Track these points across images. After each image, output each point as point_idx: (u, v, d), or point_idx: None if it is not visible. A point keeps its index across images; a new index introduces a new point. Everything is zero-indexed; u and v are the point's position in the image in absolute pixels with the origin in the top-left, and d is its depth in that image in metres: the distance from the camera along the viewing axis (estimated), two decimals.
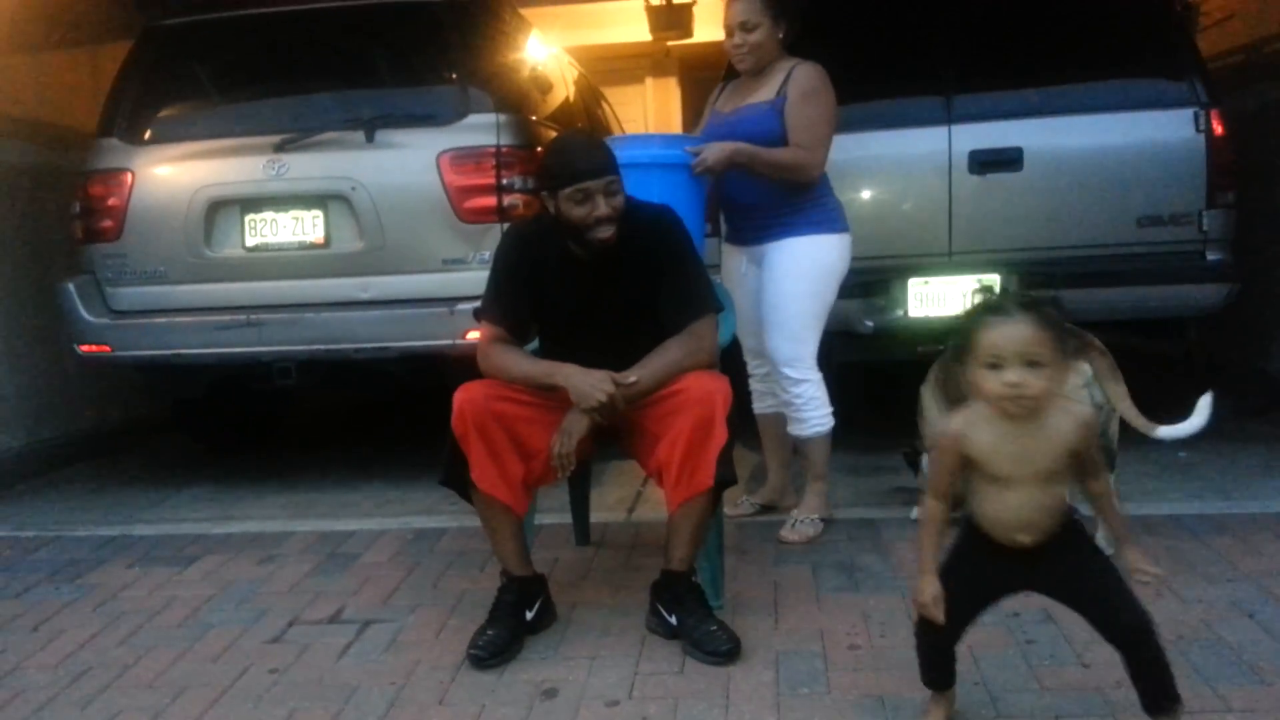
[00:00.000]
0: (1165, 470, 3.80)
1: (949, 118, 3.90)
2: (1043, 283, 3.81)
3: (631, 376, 2.42)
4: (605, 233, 2.44)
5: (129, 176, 3.95)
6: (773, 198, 3.08)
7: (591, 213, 2.42)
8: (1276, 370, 4.80)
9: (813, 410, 3.16)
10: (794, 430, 3.21)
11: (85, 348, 3.99)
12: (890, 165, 3.76)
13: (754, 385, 3.38)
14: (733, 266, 3.29)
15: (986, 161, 3.86)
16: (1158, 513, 3.24)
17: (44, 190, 4.67)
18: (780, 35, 3.08)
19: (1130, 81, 3.97)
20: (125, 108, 4.08)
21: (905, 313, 3.88)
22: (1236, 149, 3.83)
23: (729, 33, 3.08)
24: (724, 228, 3.37)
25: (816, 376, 3.16)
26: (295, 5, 4.13)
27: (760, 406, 3.39)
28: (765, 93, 3.08)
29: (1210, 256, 3.81)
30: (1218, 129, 3.77)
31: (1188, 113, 3.79)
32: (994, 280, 3.85)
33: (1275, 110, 4.75)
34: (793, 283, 3.09)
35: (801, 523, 3.18)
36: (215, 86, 4.19)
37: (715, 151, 2.99)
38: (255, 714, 2.20)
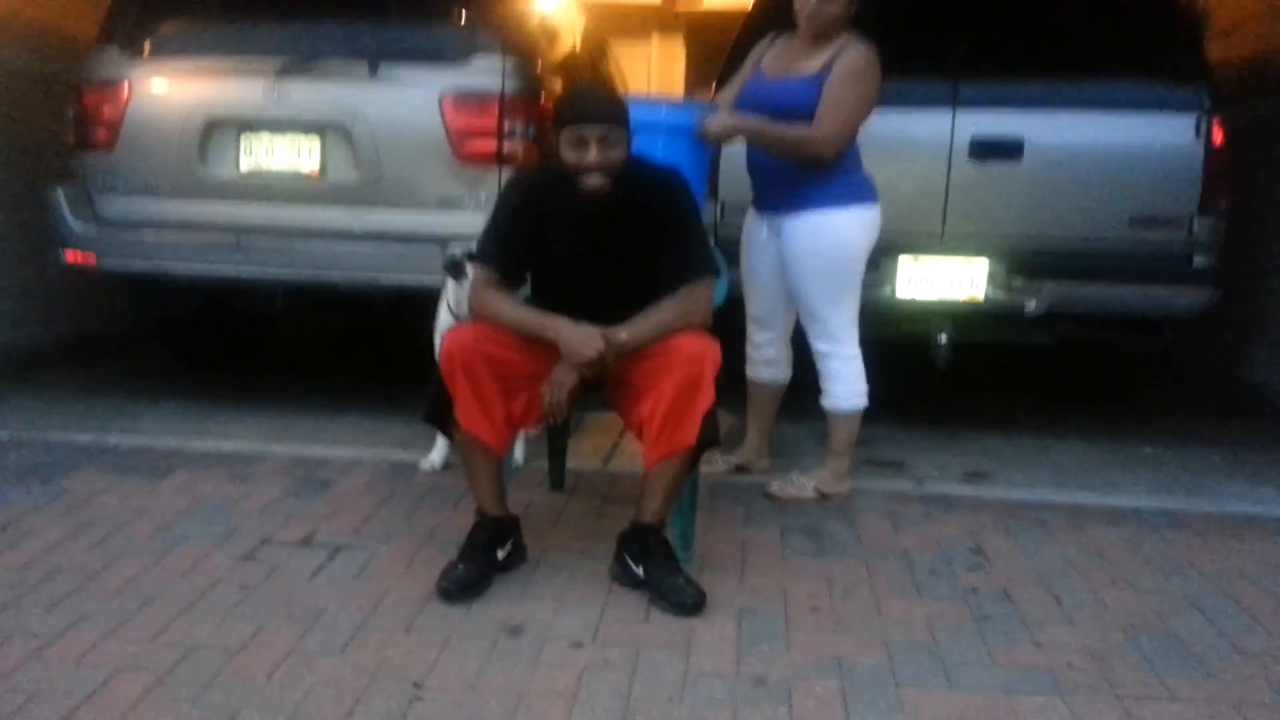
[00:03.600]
0: (1130, 463, 3.88)
1: (954, 102, 3.91)
2: (1030, 272, 3.86)
3: (623, 334, 2.44)
4: (593, 181, 2.44)
5: (126, 87, 3.89)
6: (792, 166, 3.05)
7: (583, 158, 2.42)
8: (1249, 376, 4.89)
9: (837, 384, 3.18)
10: (821, 402, 3.24)
11: (71, 255, 3.95)
12: (892, 144, 3.75)
13: (749, 351, 3.40)
14: (753, 231, 3.29)
15: (987, 149, 3.88)
16: (1120, 504, 3.31)
17: (37, 93, 4.59)
18: (853, 10, 3.02)
19: (1137, 82, 3.98)
20: (127, 17, 4.00)
21: (893, 291, 3.91)
22: (1233, 158, 3.87)
23: None
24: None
25: (848, 352, 3.17)
26: None
27: (752, 371, 3.42)
28: (813, 64, 3.02)
29: (1197, 261, 3.86)
30: (1217, 137, 3.80)
31: (1190, 118, 3.81)
32: (983, 266, 3.89)
33: (1269, 122, 4.78)
34: (809, 261, 3.09)
35: (795, 482, 3.22)
36: (221, 5, 4.12)
37: (720, 121, 2.99)
38: (222, 629, 2.23)
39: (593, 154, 2.42)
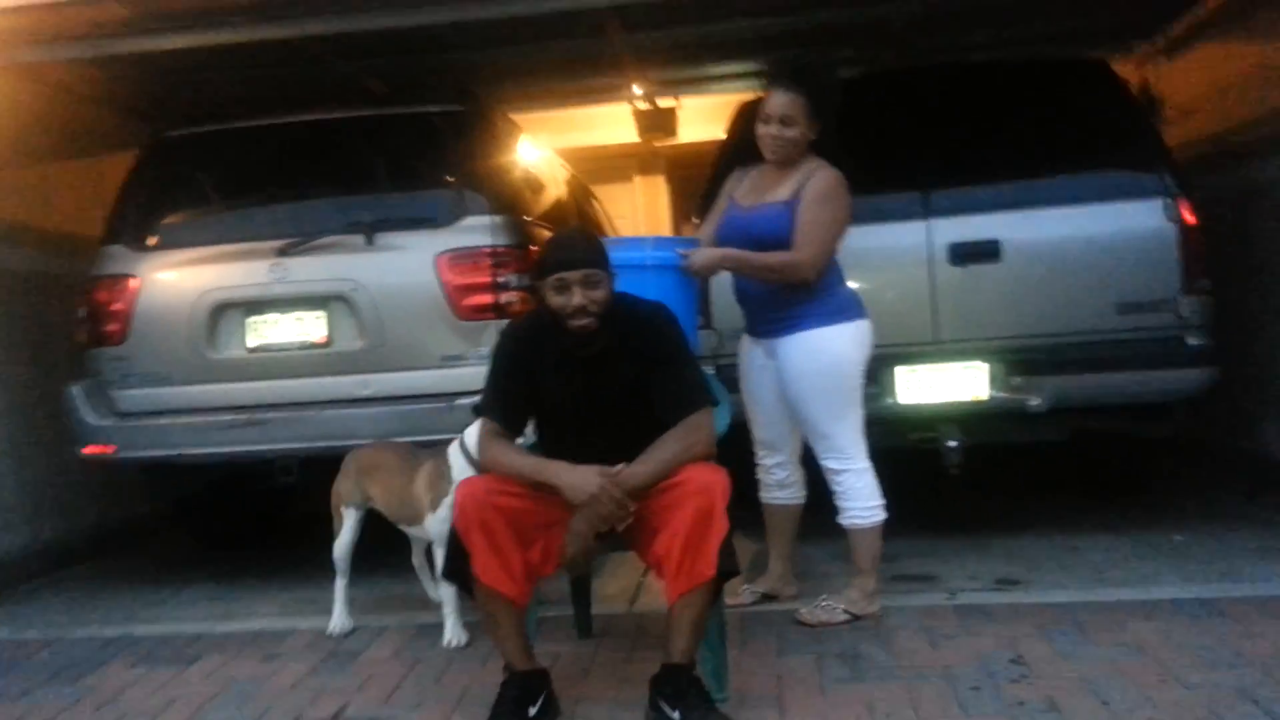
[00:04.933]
0: (1158, 553, 3.82)
1: (927, 212, 4.03)
2: (1030, 369, 3.90)
3: (627, 476, 2.47)
4: (580, 321, 2.52)
5: (134, 282, 4.03)
6: (780, 290, 3.14)
7: (569, 302, 2.51)
8: (1271, 454, 4.85)
9: (853, 501, 3.18)
10: (839, 520, 3.23)
11: (89, 449, 4.01)
12: (874, 258, 3.86)
13: (761, 475, 3.42)
14: (749, 356, 3.35)
15: (966, 253, 3.96)
16: (1156, 596, 3.25)
17: (49, 296, 4.74)
18: (812, 135, 3.15)
19: (1099, 174, 4.10)
20: (130, 215, 4.19)
21: (895, 400, 3.94)
22: (1209, 237, 3.95)
23: (767, 120, 3.13)
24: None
25: (859, 466, 3.18)
26: (296, 116, 4.29)
27: (766, 496, 3.42)
28: (783, 191, 3.14)
29: (1190, 342, 3.88)
30: (1188, 218, 3.89)
31: (1157, 203, 3.91)
32: (982, 368, 3.93)
33: (1246, 197, 4.90)
34: (809, 380, 3.14)
35: (824, 606, 3.18)
36: (219, 194, 4.31)
37: (703, 256, 3.10)
38: None
39: (576, 297, 2.50)
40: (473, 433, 3.17)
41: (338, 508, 3.45)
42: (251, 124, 4.31)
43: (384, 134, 4.24)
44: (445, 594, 3.20)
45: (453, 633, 3.18)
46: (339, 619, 3.41)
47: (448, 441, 3.23)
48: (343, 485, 3.44)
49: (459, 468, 3.14)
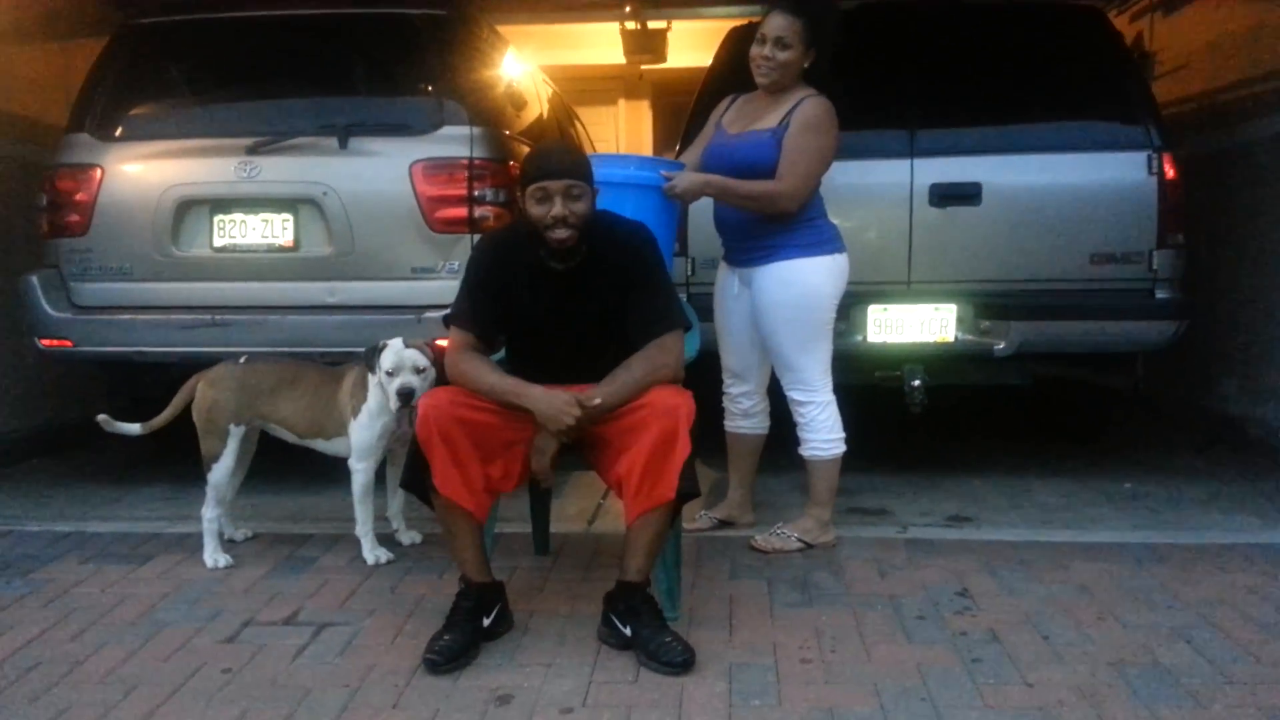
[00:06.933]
0: (1111, 499, 3.91)
1: (912, 151, 4.00)
2: (998, 314, 3.92)
3: (596, 398, 2.46)
4: (560, 234, 2.49)
5: (98, 172, 3.93)
6: (759, 219, 3.12)
7: (549, 212, 2.48)
8: (1224, 408, 4.95)
9: (815, 433, 3.21)
10: (800, 451, 3.26)
11: (46, 341, 3.95)
12: (854, 195, 3.84)
13: (726, 404, 3.43)
14: (724, 285, 3.34)
15: (946, 195, 3.95)
16: (1102, 540, 3.33)
17: (10, 183, 4.62)
18: (806, 63, 3.11)
19: (1087, 124, 4.09)
20: (98, 103, 4.06)
21: (864, 338, 3.96)
22: (1187, 193, 3.96)
23: (762, 41, 3.08)
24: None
25: (823, 399, 3.20)
26: (275, 10, 4.15)
27: (730, 424, 3.44)
28: (770, 119, 3.11)
29: (1159, 295, 3.93)
30: (1169, 172, 3.90)
31: (1141, 156, 3.91)
32: (951, 309, 3.94)
33: (1226, 157, 4.92)
34: (781, 310, 3.14)
35: (779, 534, 3.23)
36: (190, 86, 4.19)
37: (687, 181, 3.06)
38: (207, 713, 2.20)
39: (557, 207, 2.47)
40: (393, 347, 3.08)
41: (218, 427, 3.16)
42: (227, 16, 4.16)
43: (364, 35, 4.12)
44: (360, 514, 3.14)
45: (372, 553, 3.13)
46: (215, 553, 3.13)
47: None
48: (226, 403, 3.15)
49: (373, 379, 3.10)
